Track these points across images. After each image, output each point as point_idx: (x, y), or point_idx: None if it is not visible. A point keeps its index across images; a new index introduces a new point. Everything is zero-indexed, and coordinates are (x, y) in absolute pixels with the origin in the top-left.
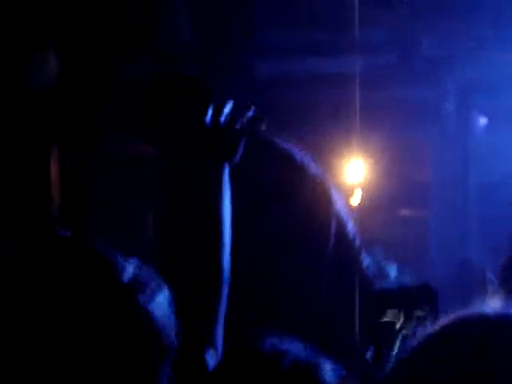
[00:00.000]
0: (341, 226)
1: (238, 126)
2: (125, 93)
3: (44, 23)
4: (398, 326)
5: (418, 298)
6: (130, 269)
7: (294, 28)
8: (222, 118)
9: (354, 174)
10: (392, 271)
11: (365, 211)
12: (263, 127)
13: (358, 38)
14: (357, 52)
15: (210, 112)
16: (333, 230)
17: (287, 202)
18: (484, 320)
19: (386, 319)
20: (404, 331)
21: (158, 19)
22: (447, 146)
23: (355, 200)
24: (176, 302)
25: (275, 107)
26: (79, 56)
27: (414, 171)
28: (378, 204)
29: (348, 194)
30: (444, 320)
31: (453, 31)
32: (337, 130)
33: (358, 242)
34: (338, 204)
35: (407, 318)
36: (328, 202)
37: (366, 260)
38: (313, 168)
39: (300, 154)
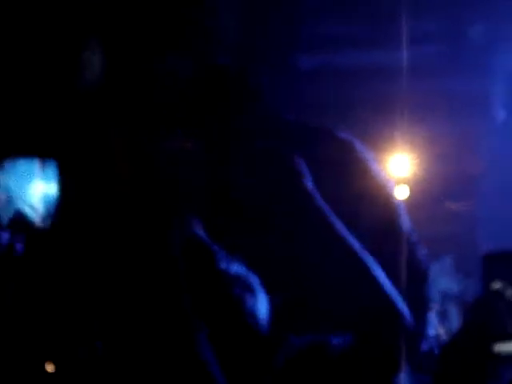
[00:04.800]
0: (396, 215)
1: None
2: (170, 88)
3: (90, 19)
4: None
5: None
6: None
7: (339, 20)
8: None
9: (400, 169)
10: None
11: (411, 206)
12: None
13: (404, 29)
14: (403, 43)
15: None
16: (389, 216)
17: (349, 182)
18: None
19: (496, 286)
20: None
21: (205, 16)
22: (497, 137)
23: (401, 195)
24: None
25: (320, 100)
26: (126, 51)
27: (462, 164)
28: (425, 199)
29: (398, 189)
30: None
31: (502, 18)
32: (382, 124)
33: (414, 233)
34: (392, 191)
35: None
36: (384, 185)
37: (422, 250)
38: (371, 158)
39: (356, 141)
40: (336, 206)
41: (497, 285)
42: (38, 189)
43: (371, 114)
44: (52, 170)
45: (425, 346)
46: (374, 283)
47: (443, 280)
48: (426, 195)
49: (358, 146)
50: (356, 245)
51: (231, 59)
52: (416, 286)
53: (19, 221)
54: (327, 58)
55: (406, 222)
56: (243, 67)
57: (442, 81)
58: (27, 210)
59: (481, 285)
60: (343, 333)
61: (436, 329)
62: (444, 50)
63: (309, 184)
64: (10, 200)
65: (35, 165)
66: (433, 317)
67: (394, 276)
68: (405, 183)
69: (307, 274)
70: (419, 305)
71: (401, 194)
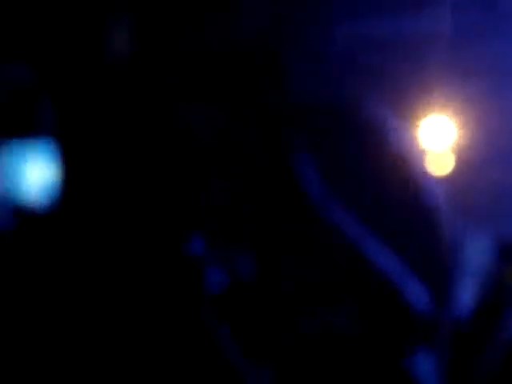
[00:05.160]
0: (425, 194)
1: None
2: (199, 64)
3: None
4: None
5: None
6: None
7: None
8: None
9: (442, 138)
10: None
11: (450, 176)
12: None
13: None
14: (444, 9)
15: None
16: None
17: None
18: None
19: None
20: None
21: None
22: None
23: (444, 163)
24: None
25: (359, 71)
26: (155, 25)
27: (506, 132)
28: (468, 167)
29: (436, 159)
30: None
31: None
32: (422, 92)
33: (448, 206)
34: (422, 172)
35: None
36: (409, 170)
37: (455, 224)
38: (396, 137)
39: (386, 122)
40: (352, 188)
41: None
42: (37, 172)
43: (411, 83)
44: (52, 152)
45: (449, 325)
46: (373, 268)
47: (480, 255)
48: (467, 164)
49: (382, 120)
50: (357, 229)
51: (257, 37)
52: (443, 262)
53: (16, 206)
54: (365, 25)
55: (435, 194)
56: (268, 46)
57: (483, 48)
58: (25, 195)
59: (496, 269)
60: (346, 315)
61: (465, 307)
62: (485, 16)
63: (308, 175)
64: (7, 184)
65: (35, 147)
66: (464, 294)
67: (418, 253)
68: (444, 153)
69: (307, 258)
70: (446, 281)
71: (437, 163)
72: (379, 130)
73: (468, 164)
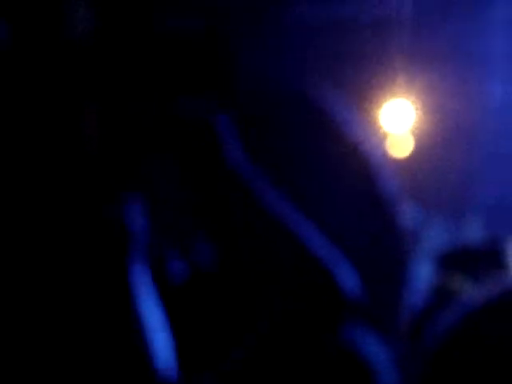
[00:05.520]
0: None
1: None
2: (166, 47)
3: None
4: (457, 286)
5: (488, 263)
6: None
7: None
8: None
9: (402, 121)
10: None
11: (413, 158)
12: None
13: None
14: None
15: None
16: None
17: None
18: None
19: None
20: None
21: None
22: (497, 85)
23: (404, 147)
24: None
25: (316, 55)
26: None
27: (463, 115)
28: (424, 150)
29: (396, 142)
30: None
31: None
32: (381, 76)
33: (400, 193)
34: (376, 163)
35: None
36: (363, 165)
37: (407, 213)
38: (348, 126)
39: (335, 110)
40: (298, 176)
41: (450, 276)
42: None
43: (370, 68)
44: None
45: (404, 312)
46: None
47: (436, 237)
48: (427, 147)
49: (333, 108)
50: (286, 209)
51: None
52: (398, 251)
53: None
54: (326, 9)
55: (390, 182)
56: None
57: (440, 29)
58: None
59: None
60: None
61: (418, 294)
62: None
63: (232, 152)
64: None
65: None
66: (418, 281)
67: (370, 242)
68: (404, 136)
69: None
70: (399, 270)
71: (397, 147)
72: (330, 118)
73: (428, 147)
